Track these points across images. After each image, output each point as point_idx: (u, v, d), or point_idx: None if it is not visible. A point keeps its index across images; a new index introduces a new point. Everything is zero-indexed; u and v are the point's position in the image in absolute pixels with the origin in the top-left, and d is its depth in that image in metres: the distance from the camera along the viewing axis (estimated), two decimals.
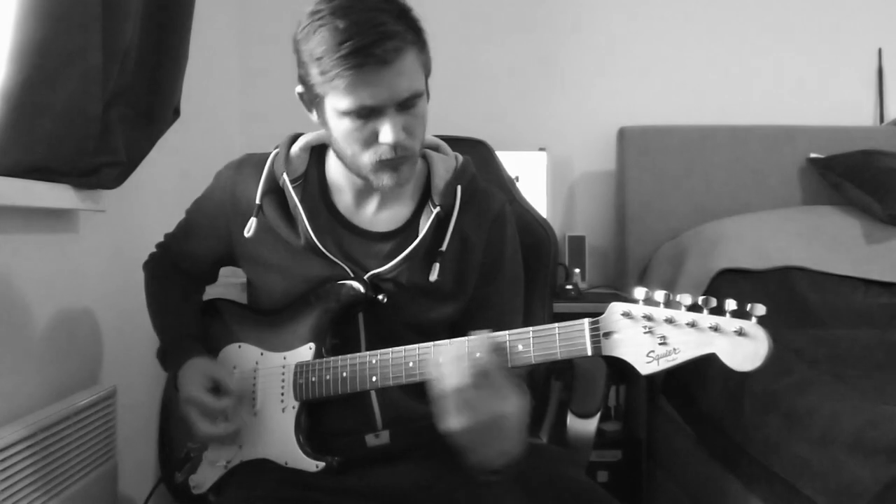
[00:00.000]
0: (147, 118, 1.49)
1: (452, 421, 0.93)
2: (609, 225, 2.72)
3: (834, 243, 2.21)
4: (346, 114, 1.05)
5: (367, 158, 1.09)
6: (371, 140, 1.07)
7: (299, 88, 1.13)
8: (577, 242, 2.52)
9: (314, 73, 1.05)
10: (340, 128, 1.08)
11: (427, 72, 1.10)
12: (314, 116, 1.14)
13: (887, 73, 2.72)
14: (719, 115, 2.64)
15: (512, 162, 2.04)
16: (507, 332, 0.97)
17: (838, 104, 2.70)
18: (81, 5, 1.25)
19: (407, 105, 1.06)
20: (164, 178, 1.84)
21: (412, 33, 1.05)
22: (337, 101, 1.05)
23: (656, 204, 2.52)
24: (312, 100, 1.11)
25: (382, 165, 1.09)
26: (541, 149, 2.52)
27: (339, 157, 1.14)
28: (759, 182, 2.52)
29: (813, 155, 2.51)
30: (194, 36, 1.57)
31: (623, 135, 2.58)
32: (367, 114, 1.05)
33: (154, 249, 1.38)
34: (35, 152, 1.26)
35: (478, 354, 0.94)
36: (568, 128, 2.69)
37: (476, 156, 1.31)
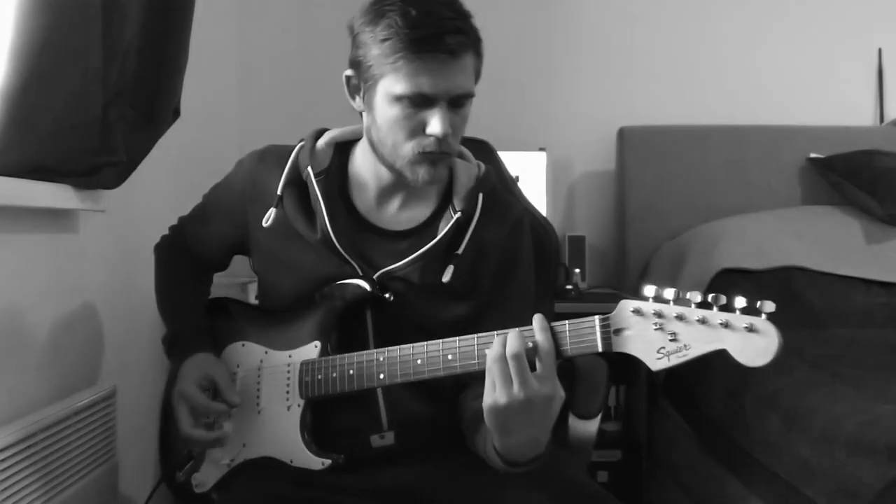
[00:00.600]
0: (147, 118, 1.49)
1: (496, 394, 0.94)
2: (609, 225, 2.72)
3: (834, 243, 2.22)
4: (400, 99, 1.06)
5: (408, 149, 1.09)
6: (418, 130, 1.08)
7: (348, 72, 1.13)
8: (577, 242, 2.51)
9: (375, 53, 1.06)
10: (389, 113, 1.08)
11: (477, 78, 1.12)
12: (356, 103, 1.14)
13: (887, 73, 2.72)
14: (719, 115, 2.64)
15: (512, 162, 2.03)
16: (518, 328, 0.97)
17: (838, 104, 2.70)
18: (81, 5, 1.25)
19: (457, 103, 1.08)
20: (164, 178, 1.84)
21: (474, 36, 1.08)
22: (393, 85, 1.05)
23: (656, 204, 2.52)
24: (363, 84, 1.10)
25: (423, 158, 1.09)
26: (541, 149, 2.52)
27: (376, 146, 1.13)
28: (759, 182, 2.52)
29: (813, 155, 2.51)
30: (194, 36, 1.57)
31: (623, 135, 2.58)
32: (420, 102, 1.06)
33: (167, 231, 1.39)
34: (35, 152, 1.26)
35: (532, 334, 0.95)
36: (568, 128, 2.69)
37: (476, 155, 1.31)
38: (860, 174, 2.35)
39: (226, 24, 2.52)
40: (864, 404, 1.37)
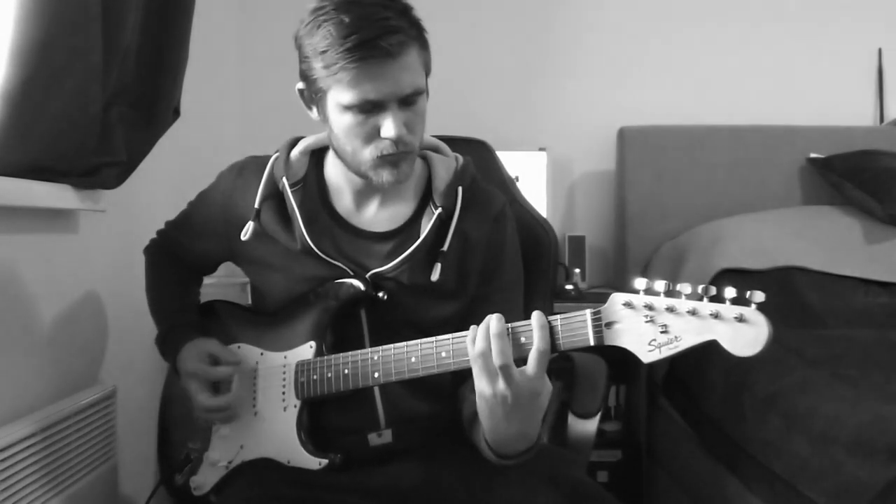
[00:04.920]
0: (147, 118, 1.49)
1: (481, 382, 0.96)
2: (609, 225, 2.72)
3: (834, 243, 2.21)
4: (349, 108, 1.06)
5: (367, 154, 1.09)
6: (372, 135, 1.08)
7: (300, 85, 1.14)
8: (577, 242, 2.51)
9: (317, 67, 1.06)
10: (342, 123, 1.08)
11: (427, 71, 1.11)
12: (314, 113, 1.14)
13: (887, 73, 2.72)
14: (719, 115, 2.64)
15: (512, 162, 2.03)
16: (509, 324, 0.98)
17: (838, 104, 2.69)
18: (81, 5, 1.25)
19: (408, 101, 1.07)
20: (164, 178, 1.84)
21: (415, 30, 1.07)
22: (340, 95, 1.06)
23: (656, 204, 2.52)
24: (314, 96, 1.11)
25: (383, 161, 1.09)
26: (541, 149, 2.52)
27: (339, 154, 1.15)
28: (759, 182, 2.52)
29: (813, 155, 2.51)
30: (194, 36, 1.57)
31: (623, 135, 2.58)
32: (369, 108, 1.06)
33: (155, 235, 1.39)
34: (35, 152, 1.26)
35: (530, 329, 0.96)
36: (568, 128, 2.69)
37: (476, 156, 1.31)
38: (860, 174, 2.35)
39: (226, 24, 2.52)
40: (864, 404, 1.37)
